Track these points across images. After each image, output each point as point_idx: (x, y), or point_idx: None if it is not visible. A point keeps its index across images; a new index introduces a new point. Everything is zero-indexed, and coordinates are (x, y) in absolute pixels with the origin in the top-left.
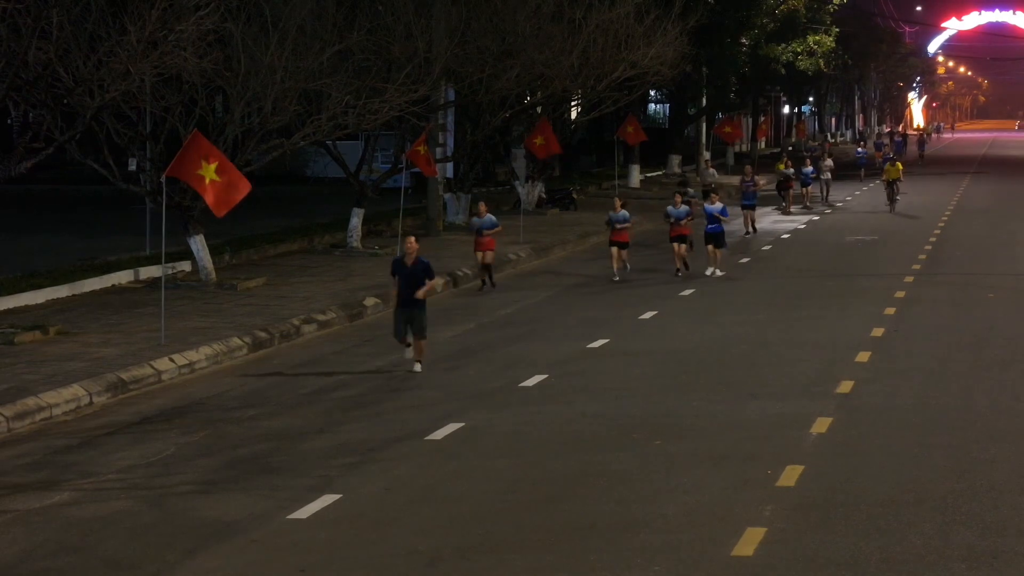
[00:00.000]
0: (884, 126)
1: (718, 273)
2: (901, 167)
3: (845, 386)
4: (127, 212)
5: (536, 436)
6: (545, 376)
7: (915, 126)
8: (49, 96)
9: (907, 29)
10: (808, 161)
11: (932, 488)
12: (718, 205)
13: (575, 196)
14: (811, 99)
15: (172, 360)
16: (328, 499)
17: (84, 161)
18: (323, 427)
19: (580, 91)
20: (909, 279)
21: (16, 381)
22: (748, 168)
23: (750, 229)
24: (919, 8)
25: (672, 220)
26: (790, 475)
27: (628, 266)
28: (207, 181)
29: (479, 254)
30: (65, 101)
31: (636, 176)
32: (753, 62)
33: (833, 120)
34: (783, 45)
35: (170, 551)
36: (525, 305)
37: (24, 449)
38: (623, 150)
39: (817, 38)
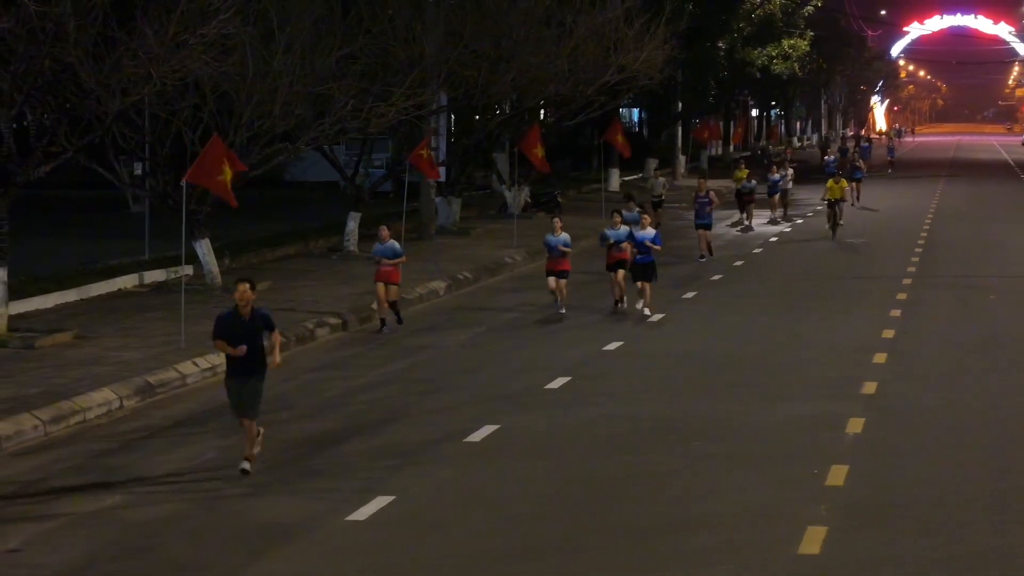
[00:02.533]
0: (847, 129)
1: (647, 312)
2: (846, 184)
3: (869, 387)
4: (114, 216)
5: (572, 438)
6: (568, 379)
7: (877, 130)
8: (65, 100)
9: (870, 33)
10: (774, 168)
11: (979, 488)
12: (649, 231)
13: (560, 200)
14: (774, 103)
15: (195, 364)
16: (382, 501)
17: (90, 165)
18: (357, 430)
19: (565, 95)
20: (907, 281)
21: (45, 385)
22: (701, 181)
23: (704, 252)
24: (883, 12)
25: (611, 243)
26: (837, 475)
27: (563, 306)
28: (228, 184)
29: (380, 286)
30: (68, 105)
31: (616, 180)
32: (729, 66)
33: (798, 124)
34: (759, 49)
35: (235, 553)
36: (529, 308)
37: (64, 453)
38: (603, 154)
39: (792, 42)
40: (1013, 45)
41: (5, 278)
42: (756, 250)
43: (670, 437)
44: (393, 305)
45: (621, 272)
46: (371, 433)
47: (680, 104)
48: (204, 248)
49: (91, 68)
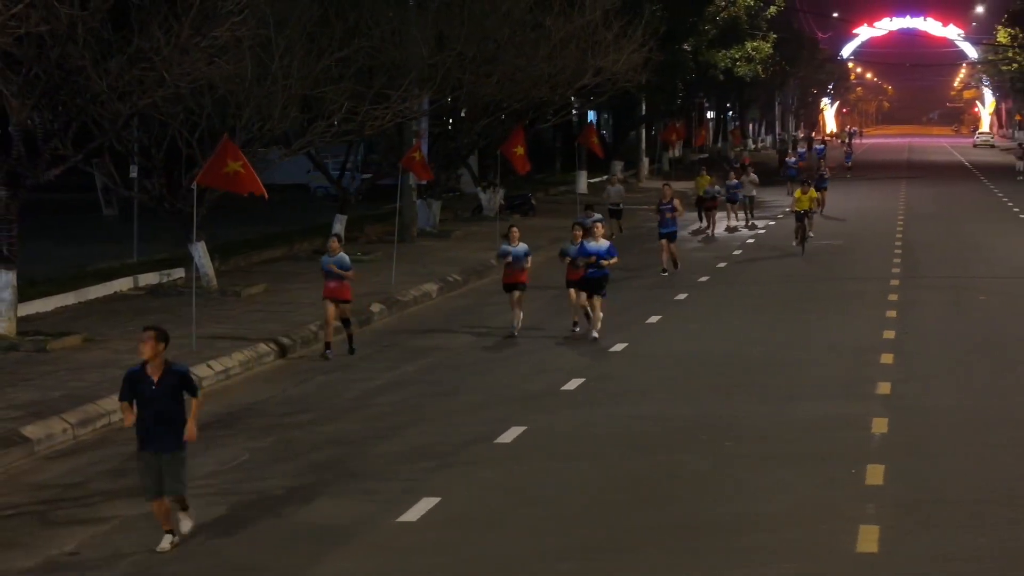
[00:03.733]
0: (798, 131)
1: (595, 334)
2: (816, 194)
3: (883, 388)
4: (86, 219)
5: (602, 438)
6: (582, 380)
7: (828, 132)
8: (74, 104)
9: (820, 35)
10: (733, 174)
11: (1020, 485)
12: (602, 243)
13: (534, 202)
14: (729, 105)
15: (209, 367)
16: (428, 502)
17: (87, 168)
18: (385, 432)
19: (546, 98)
20: (894, 283)
21: (66, 388)
22: (666, 189)
23: (667, 266)
24: (836, 15)
25: (571, 260)
26: (874, 474)
27: (518, 323)
28: (232, 173)
29: (329, 305)
30: (76, 109)
31: (584, 182)
32: (695, 68)
33: (751, 126)
34: (723, 51)
35: (295, 555)
36: (528, 310)
37: (97, 456)
38: (572, 156)
39: (755, 44)
40: (962, 48)
41: (15, 281)
42: (736, 251)
43: (700, 437)
44: (346, 325)
45: (584, 294)
46: (399, 435)
47: (644, 107)
48: (200, 251)
49: (102, 71)
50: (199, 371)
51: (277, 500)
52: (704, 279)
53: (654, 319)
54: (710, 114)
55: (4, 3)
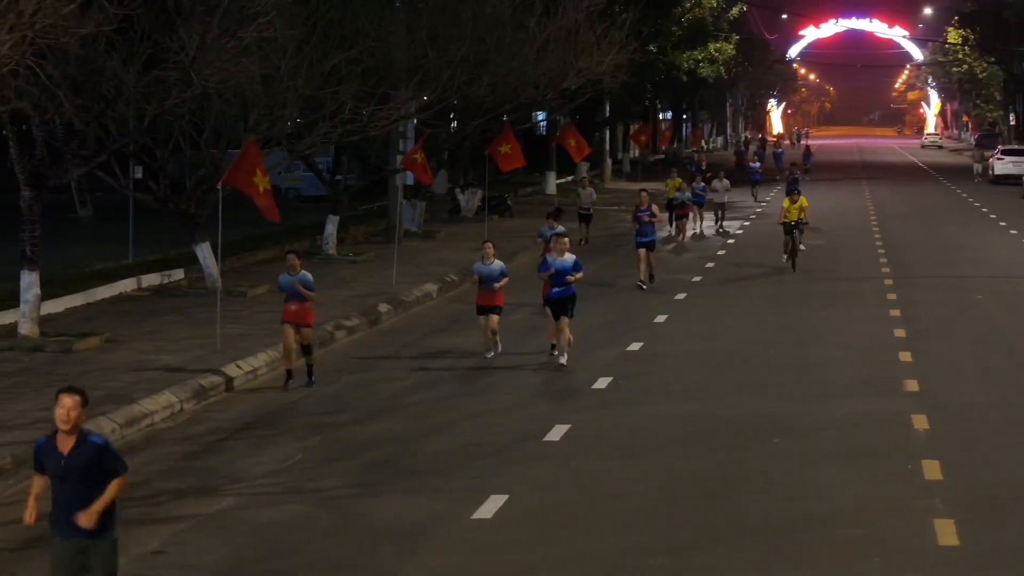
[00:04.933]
0: (746, 132)
1: (563, 361)
2: (806, 203)
3: (911, 385)
4: (62, 221)
5: (649, 436)
6: (610, 378)
7: (775, 133)
8: (99, 104)
9: (768, 36)
10: (699, 178)
11: None
12: (568, 257)
13: (510, 203)
14: (686, 106)
15: (238, 366)
16: (497, 499)
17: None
18: (432, 430)
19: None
20: (888, 282)
21: (103, 389)
22: (644, 195)
23: (644, 279)
24: (784, 16)
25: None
26: (931, 469)
27: (493, 349)
28: (261, 190)
29: (289, 328)
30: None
31: (552, 183)
32: (663, 69)
33: (702, 128)
34: (687, 52)
35: (380, 552)
36: (528, 309)
37: (150, 456)
38: (546, 157)
39: (718, 45)
40: (908, 49)
41: (38, 282)
42: (720, 251)
43: (746, 434)
44: (307, 352)
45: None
46: (445, 433)
47: (608, 108)
48: (205, 251)
49: (129, 71)
50: (228, 371)
51: (343, 498)
52: (697, 279)
53: (661, 318)
54: (666, 115)
55: (53, 4)
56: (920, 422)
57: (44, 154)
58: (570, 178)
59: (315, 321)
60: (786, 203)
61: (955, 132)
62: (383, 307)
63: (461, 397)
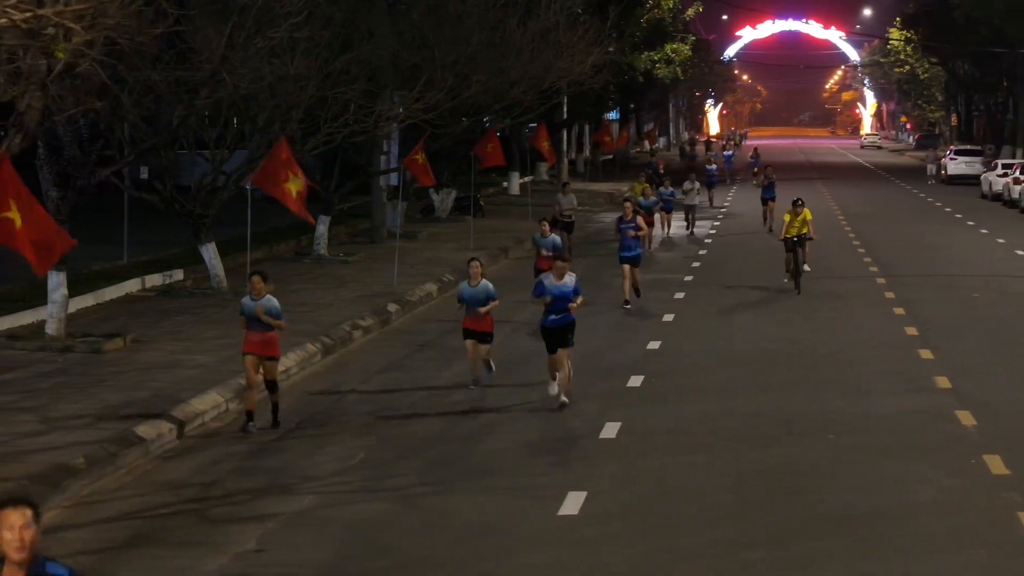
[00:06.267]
0: (684, 133)
1: (564, 399)
2: (809, 215)
3: (942, 382)
4: None
5: (704, 433)
6: (642, 377)
7: (712, 135)
8: (135, 104)
9: (707, 36)
10: (667, 182)
11: None
12: (568, 280)
13: (482, 203)
14: (633, 107)
15: None
16: (577, 496)
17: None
18: (485, 428)
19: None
20: (881, 281)
21: (147, 389)
22: (628, 206)
23: (628, 296)
24: (724, 17)
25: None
26: (995, 464)
27: (484, 377)
28: (294, 193)
29: (251, 361)
30: (128, 110)
31: (516, 183)
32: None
33: (655, 129)
34: (645, 53)
35: (474, 549)
36: (531, 308)
37: (212, 456)
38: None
39: (674, 46)
40: (843, 50)
41: (65, 282)
42: (701, 252)
43: (798, 430)
44: (271, 389)
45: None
46: (497, 431)
47: (565, 109)
48: (211, 252)
49: (161, 72)
50: None
51: (421, 496)
52: (688, 278)
53: (669, 317)
54: (612, 116)
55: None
56: (966, 418)
57: (73, 155)
58: (530, 178)
59: (280, 353)
60: (787, 216)
61: (892, 132)
62: (392, 307)
63: (498, 395)
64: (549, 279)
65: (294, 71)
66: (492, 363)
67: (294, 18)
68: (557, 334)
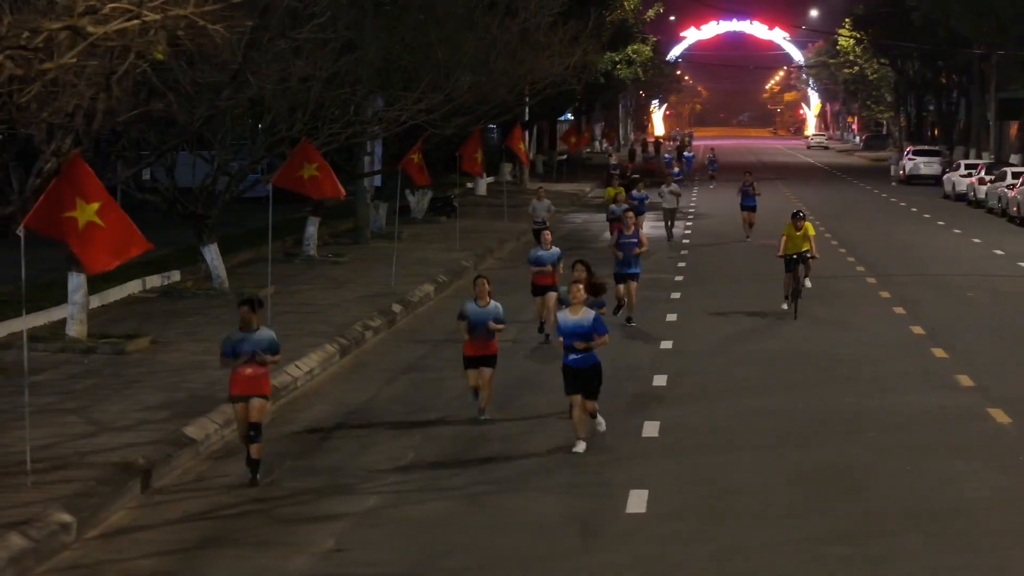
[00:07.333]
0: (631, 134)
1: (581, 446)
2: (812, 230)
3: (964, 380)
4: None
5: (744, 431)
6: (665, 376)
7: (656, 136)
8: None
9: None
10: (640, 185)
11: None
12: (586, 314)
13: (456, 204)
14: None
15: (298, 367)
16: (640, 494)
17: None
18: (527, 429)
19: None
20: (871, 280)
21: (182, 390)
22: (629, 217)
23: (631, 313)
24: (672, 18)
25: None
26: None
27: (485, 410)
28: (306, 178)
29: (241, 406)
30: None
31: (483, 184)
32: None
33: (615, 131)
34: (608, 54)
35: (557, 546)
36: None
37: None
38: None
39: (636, 47)
40: (788, 51)
41: (85, 283)
42: (683, 251)
43: (837, 428)
44: (255, 435)
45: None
46: (538, 431)
47: (527, 110)
48: (213, 252)
49: (184, 71)
50: (290, 371)
51: (483, 495)
52: (679, 279)
53: (672, 317)
54: (565, 117)
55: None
56: (999, 416)
57: (94, 156)
58: (492, 179)
59: (270, 393)
60: (787, 230)
61: (836, 133)
62: (396, 307)
63: (528, 396)
64: (565, 313)
65: (304, 72)
66: (491, 396)
67: (319, 19)
68: (581, 378)
